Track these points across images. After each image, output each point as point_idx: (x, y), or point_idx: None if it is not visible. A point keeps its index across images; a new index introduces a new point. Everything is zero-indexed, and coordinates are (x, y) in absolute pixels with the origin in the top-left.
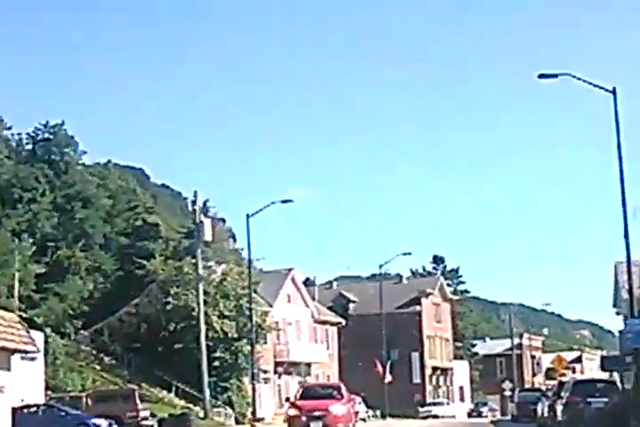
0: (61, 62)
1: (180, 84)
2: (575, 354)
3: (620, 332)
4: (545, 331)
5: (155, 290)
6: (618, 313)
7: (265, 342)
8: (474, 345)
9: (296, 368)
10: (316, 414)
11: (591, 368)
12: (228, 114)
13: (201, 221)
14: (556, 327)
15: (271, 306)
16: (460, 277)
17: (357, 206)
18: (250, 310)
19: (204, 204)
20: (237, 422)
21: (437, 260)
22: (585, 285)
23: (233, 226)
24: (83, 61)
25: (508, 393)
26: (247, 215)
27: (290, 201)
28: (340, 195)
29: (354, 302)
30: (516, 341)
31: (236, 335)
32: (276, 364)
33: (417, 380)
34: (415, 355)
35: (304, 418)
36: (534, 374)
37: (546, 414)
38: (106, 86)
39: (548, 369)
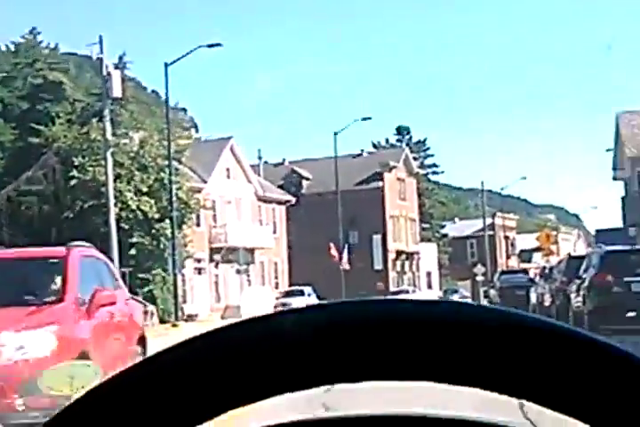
0: None
1: None
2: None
3: (623, 199)
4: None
5: (51, 160)
6: (615, 178)
7: (197, 225)
8: (442, 226)
9: (236, 255)
10: None
11: (568, 249)
12: None
13: (108, 73)
14: (522, 212)
15: (205, 181)
16: (428, 149)
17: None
18: (170, 181)
19: (120, 58)
20: (162, 321)
21: (402, 131)
22: (557, 165)
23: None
24: None
25: (480, 278)
26: (165, 64)
27: (218, 45)
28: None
29: (307, 179)
30: (489, 221)
31: (157, 216)
32: (212, 250)
33: (379, 266)
34: (377, 238)
35: None
36: (508, 257)
37: (547, 303)
38: None
39: (522, 251)
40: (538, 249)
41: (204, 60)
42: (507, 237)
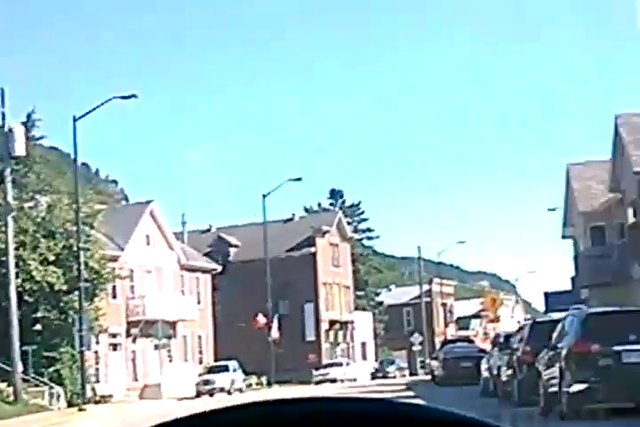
0: None
1: None
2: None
3: (575, 257)
4: None
5: None
6: (564, 236)
7: (114, 296)
8: (378, 294)
9: (155, 328)
10: None
11: (506, 316)
12: None
13: (10, 130)
14: (455, 279)
15: (122, 249)
16: (362, 213)
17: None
18: (78, 248)
19: (29, 116)
20: (70, 404)
21: (335, 194)
22: (490, 230)
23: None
24: None
25: (417, 348)
26: (74, 118)
27: (133, 96)
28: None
29: (235, 246)
30: (425, 287)
31: (65, 287)
32: (130, 324)
33: (311, 337)
34: (309, 306)
35: None
36: (446, 324)
37: (504, 377)
38: None
39: (458, 318)
40: (476, 316)
41: (124, 125)
42: (444, 304)
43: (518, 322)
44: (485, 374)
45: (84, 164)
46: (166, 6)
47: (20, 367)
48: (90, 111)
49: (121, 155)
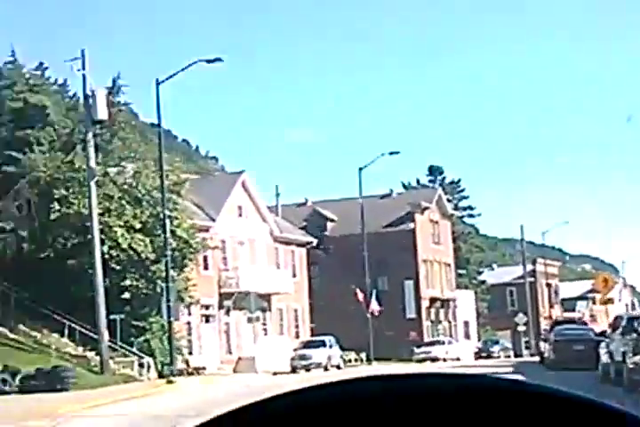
0: None
1: None
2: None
3: None
4: None
5: (24, 191)
6: None
7: (205, 268)
8: (480, 273)
9: (248, 301)
10: None
11: (613, 298)
12: None
13: (92, 92)
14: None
15: (213, 220)
16: (463, 190)
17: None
18: (164, 216)
19: (114, 82)
20: (161, 375)
21: (434, 171)
22: (594, 213)
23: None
24: None
25: (522, 328)
26: (157, 81)
27: (219, 60)
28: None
29: (332, 220)
30: (529, 267)
31: (153, 256)
32: (222, 296)
33: (412, 314)
34: (409, 283)
35: None
36: (551, 306)
37: (630, 364)
38: None
39: (563, 300)
40: (582, 298)
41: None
42: (549, 285)
43: (626, 305)
44: (605, 359)
45: (184, 140)
46: None
47: (106, 336)
48: (174, 74)
49: (220, 131)
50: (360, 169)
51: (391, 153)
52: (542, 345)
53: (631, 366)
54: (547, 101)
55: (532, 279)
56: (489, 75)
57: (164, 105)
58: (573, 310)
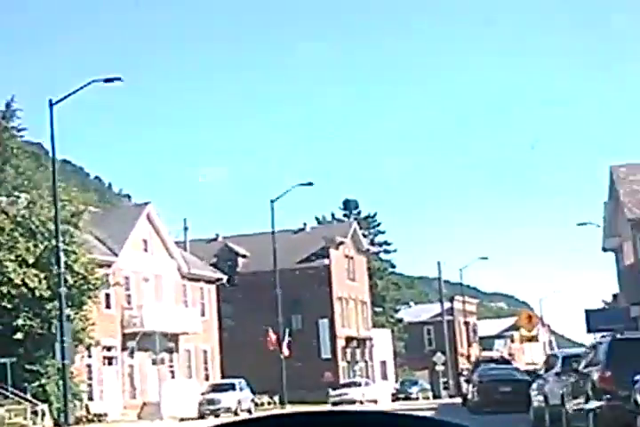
0: None
1: None
2: (511, 320)
3: (619, 272)
4: None
5: None
6: (605, 249)
7: (107, 306)
8: (397, 310)
9: (152, 341)
10: None
11: (537, 335)
12: None
13: None
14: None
15: (116, 254)
16: (379, 225)
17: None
18: (57, 249)
19: (7, 106)
20: (57, 424)
21: (349, 205)
22: (508, 250)
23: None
24: None
25: (440, 368)
26: (50, 102)
27: (118, 79)
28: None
29: (244, 256)
30: (447, 305)
31: (47, 294)
32: (125, 336)
33: (327, 354)
34: (323, 322)
35: None
36: (470, 344)
37: (570, 409)
38: None
39: (480, 338)
40: (499, 336)
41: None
42: (467, 323)
43: (544, 343)
44: (538, 402)
45: (97, 177)
46: None
47: None
48: (69, 95)
49: (130, 168)
50: (272, 201)
51: (303, 184)
52: (464, 386)
53: (571, 411)
54: (461, 131)
55: (450, 317)
56: (405, 104)
57: (69, 134)
58: (491, 349)
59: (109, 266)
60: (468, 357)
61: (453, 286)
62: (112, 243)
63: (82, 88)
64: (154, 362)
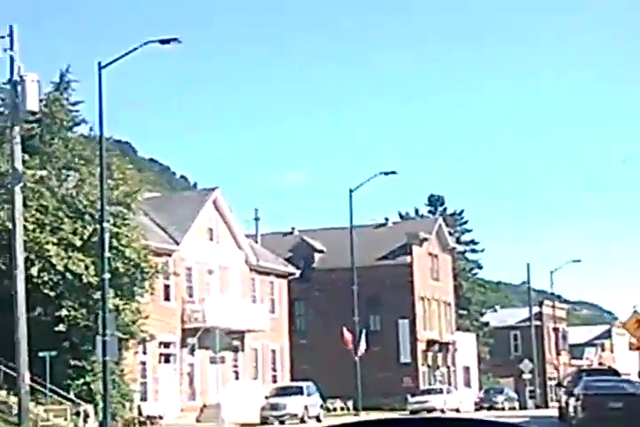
0: None
1: None
2: (603, 328)
3: None
4: None
5: None
6: None
7: (167, 298)
8: (482, 314)
9: (213, 338)
10: None
11: (622, 345)
12: None
13: (20, 77)
14: None
15: (177, 243)
16: (466, 223)
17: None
18: (102, 229)
19: (62, 76)
20: (102, 425)
21: (434, 201)
22: (593, 258)
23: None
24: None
25: (527, 376)
26: (99, 65)
27: (175, 40)
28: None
29: (321, 251)
30: (535, 309)
31: (94, 281)
32: (185, 332)
33: (406, 358)
34: (404, 323)
35: None
36: (558, 352)
37: None
38: None
39: (570, 346)
40: (590, 344)
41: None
42: (556, 329)
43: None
44: None
45: (182, 176)
46: None
47: (27, 378)
48: (119, 58)
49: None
50: (351, 191)
51: (386, 173)
52: (564, 398)
53: None
54: (553, 138)
55: (539, 323)
56: (498, 100)
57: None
58: (581, 358)
59: (170, 255)
60: (557, 366)
61: (538, 294)
62: (173, 230)
63: (134, 50)
64: (212, 361)
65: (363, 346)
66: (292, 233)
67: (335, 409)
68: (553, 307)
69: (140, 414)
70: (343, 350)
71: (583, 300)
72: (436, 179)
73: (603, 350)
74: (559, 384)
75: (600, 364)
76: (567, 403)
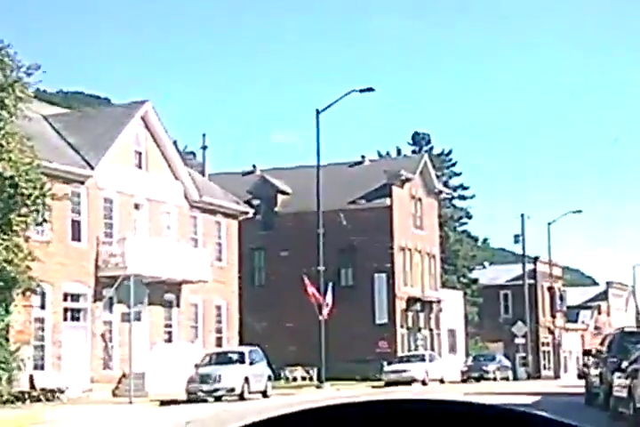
0: None
1: None
2: (598, 289)
3: None
4: None
5: None
6: None
7: (76, 238)
8: (471, 269)
9: (130, 288)
10: None
11: (618, 308)
12: None
13: None
14: None
15: (92, 167)
16: (454, 165)
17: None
18: None
19: None
20: None
21: (419, 139)
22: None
23: None
24: None
25: (520, 341)
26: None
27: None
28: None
29: (285, 193)
30: (529, 266)
31: None
32: (100, 281)
33: (383, 319)
34: (380, 277)
35: None
36: (553, 315)
37: None
38: None
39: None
40: (584, 306)
41: None
42: (551, 289)
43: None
44: None
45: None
46: None
47: None
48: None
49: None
50: (318, 112)
51: (362, 90)
52: (593, 373)
53: None
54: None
55: (532, 281)
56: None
57: None
58: (576, 321)
59: (82, 182)
60: (552, 329)
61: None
62: (87, 151)
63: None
64: (126, 319)
65: (329, 301)
66: (252, 172)
67: (295, 379)
68: (549, 264)
69: (33, 386)
70: (310, 309)
71: (565, 265)
72: (420, 118)
73: (599, 312)
74: (588, 353)
75: (596, 327)
76: (609, 382)
